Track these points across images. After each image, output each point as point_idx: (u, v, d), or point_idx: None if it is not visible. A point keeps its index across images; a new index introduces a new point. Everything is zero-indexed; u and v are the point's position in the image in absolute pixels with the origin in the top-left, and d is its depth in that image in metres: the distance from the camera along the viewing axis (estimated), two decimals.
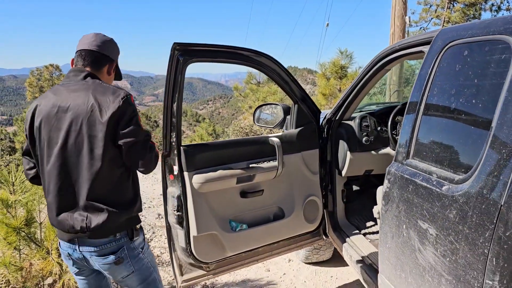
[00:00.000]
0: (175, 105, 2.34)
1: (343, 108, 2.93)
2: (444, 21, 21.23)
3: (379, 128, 2.97)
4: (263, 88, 12.29)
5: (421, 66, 1.93)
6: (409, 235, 1.75)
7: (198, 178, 2.39)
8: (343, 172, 3.00)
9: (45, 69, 29.36)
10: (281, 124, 3.01)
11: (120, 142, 1.70)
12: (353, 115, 3.08)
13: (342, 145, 2.97)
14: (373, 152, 2.99)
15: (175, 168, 2.41)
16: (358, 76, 2.77)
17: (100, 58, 1.85)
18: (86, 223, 1.70)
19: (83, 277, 1.97)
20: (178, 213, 2.45)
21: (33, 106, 1.80)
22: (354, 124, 2.98)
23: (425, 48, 1.98)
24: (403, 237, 1.80)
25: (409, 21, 8.76)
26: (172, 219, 2.48)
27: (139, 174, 1.96)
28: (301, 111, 2.88)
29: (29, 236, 2.66)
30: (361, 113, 3.10)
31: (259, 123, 3.20)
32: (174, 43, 2.26)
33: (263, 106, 3.20)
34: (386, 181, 1.97)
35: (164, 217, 2.56)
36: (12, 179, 2.59)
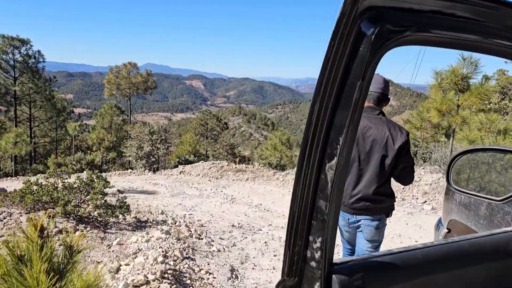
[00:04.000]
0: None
1: None
2: None
3: None
4: None
5: None
6: None
7: None
8: None
9: (124, 67, 29.79)
10: None
11: (401, 163, 2.71)
12: None
13: None
14: None
15: None
16: None
17: (384, 98, 2.86)
18: None
19: None
20: None
21: None
22: None
23: None
24: None
25: None
26: None
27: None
28: None
29: None
30: None
31: (462, 187, 1.55)
32: None
33: (477, 153, 1.54)
34: None
35: None
36: None
